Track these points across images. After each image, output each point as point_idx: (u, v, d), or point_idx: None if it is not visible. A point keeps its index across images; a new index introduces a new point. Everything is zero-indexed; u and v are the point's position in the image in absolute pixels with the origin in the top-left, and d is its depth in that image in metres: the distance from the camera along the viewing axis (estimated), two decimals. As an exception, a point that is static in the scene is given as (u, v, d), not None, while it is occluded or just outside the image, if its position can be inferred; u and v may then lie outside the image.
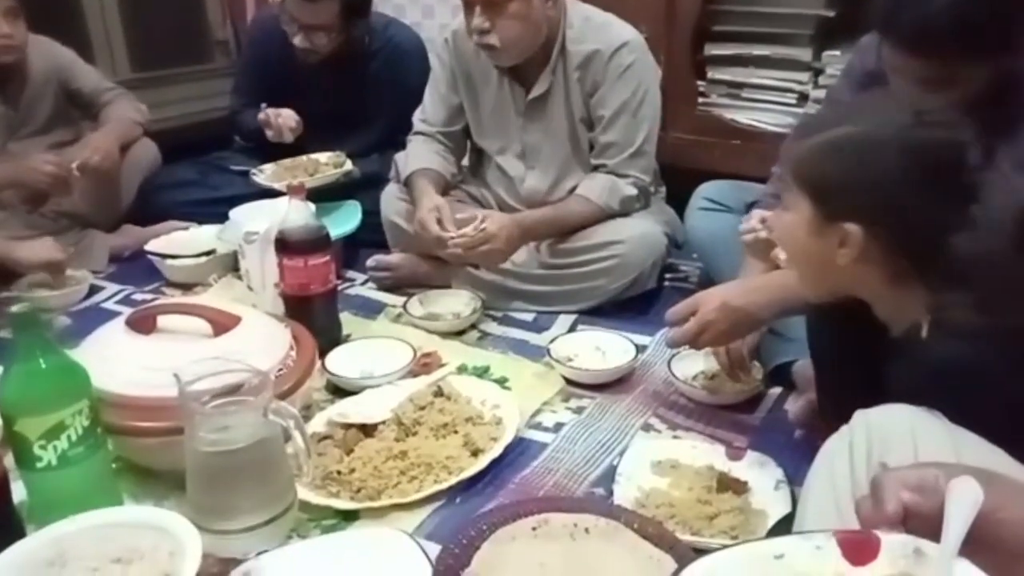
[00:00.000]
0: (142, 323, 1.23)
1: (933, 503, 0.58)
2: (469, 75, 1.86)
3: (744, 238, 1.40)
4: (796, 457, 1.21)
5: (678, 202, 1.87)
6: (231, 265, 1.94)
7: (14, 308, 0.99)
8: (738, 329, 1.28)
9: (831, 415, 0.99)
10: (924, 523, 0.58)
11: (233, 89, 2.40)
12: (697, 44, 2.13)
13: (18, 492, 1.06)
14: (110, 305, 1.91)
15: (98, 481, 1.08)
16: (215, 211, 2.07)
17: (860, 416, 0.83)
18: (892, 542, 0.59)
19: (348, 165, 2.08)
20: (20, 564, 0.95)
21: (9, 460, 1.04)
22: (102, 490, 1.08)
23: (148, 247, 2.02)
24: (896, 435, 0.79)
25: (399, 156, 1.95)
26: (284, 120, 2.11)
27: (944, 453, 0.76)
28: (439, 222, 1.68)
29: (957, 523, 0.56)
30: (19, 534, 1.01)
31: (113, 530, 1.00)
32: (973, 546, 0.57)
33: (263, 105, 2.16)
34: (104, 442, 1.08)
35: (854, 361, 1.03)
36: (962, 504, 0.57)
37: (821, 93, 1.98)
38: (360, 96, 2.17)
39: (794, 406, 1.34)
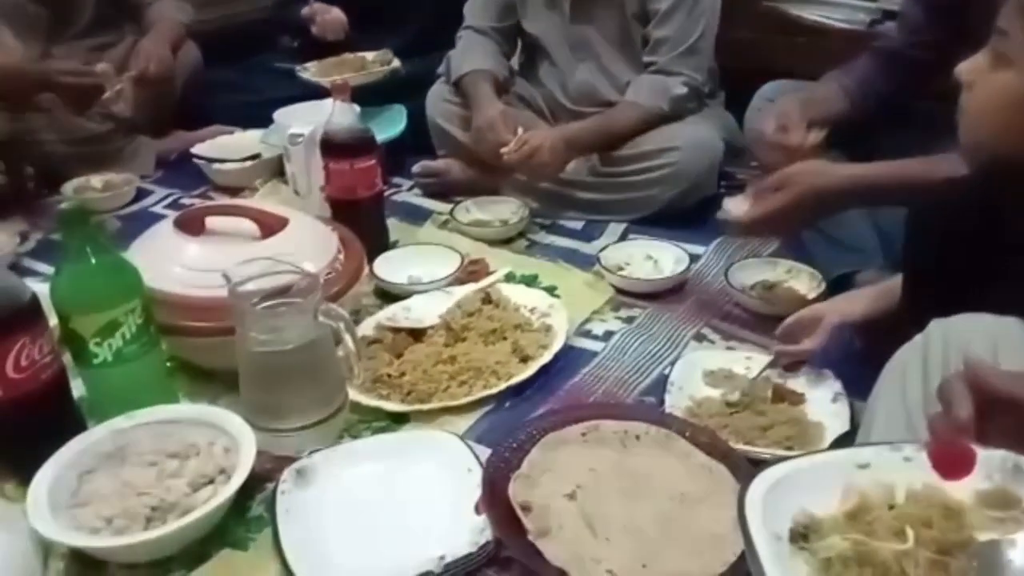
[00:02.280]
0: (190, 224, 1.22)
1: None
2: None
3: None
4: (856, 370, 1.17)
5: (738, 105, 1.77)
6: (276, 169, 1.92)
7: (62, 205, 0.98)
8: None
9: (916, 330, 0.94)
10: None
11: None
12: (763, -67, 1.99)
13: (77, 389, 1.08)
14: (158, 209, 1.91)
15: (154, 379, 1.09)
16: (258, 114, 2.02)
17: (936, 324, 0.78)
18: (989, 457, 0.55)
19: (395, 63, 2.02)
20: (81, 457, 0.98)
21: (68, 358, 1.06)
22: (158, 388, 1.10)
23: (194, 151, 2.01)
24: (976, 344, 0.74)
25: (452, 53, 1.88)
26: (332, 18, 2.04)
27: (1027, 364, 0.71)
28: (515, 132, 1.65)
29: None
30: (80, 427, 1.04)
31: (170, 426, 1.03)
32: None
33: None
34: (158, 341, 1.09)
35: (956, 272, 0.96)
36: None
37: (896, -15, 1.83)
38: None
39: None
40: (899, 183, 1.09)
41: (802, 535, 0.54)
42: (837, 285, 1.39)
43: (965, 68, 0.90)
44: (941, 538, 0.52)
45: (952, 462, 0.56)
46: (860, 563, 0.51)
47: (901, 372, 0.79)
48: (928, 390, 0.76)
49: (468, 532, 0.91)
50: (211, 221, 1.23)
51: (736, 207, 1.22)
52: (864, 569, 0.51)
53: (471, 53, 1.83)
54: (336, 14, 2.06)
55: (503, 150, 1.63)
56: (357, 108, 1.54)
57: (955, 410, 0.57)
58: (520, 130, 1.65)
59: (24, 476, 0.96)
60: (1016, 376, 0.57)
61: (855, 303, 1.17)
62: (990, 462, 0.55)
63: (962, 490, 0.55)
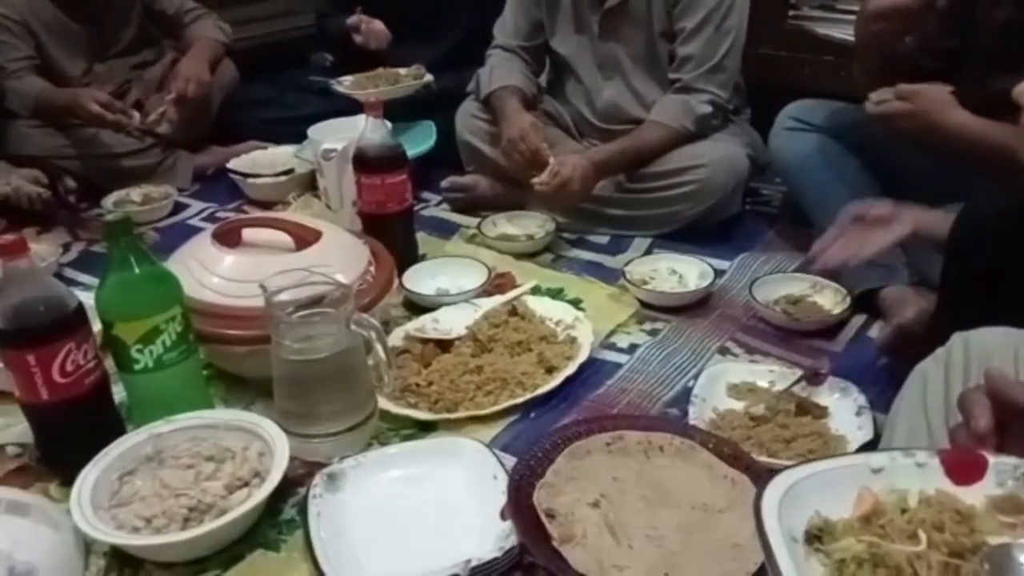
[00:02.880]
0: (228, 236, 1.26)
1: None
2: None
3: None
4: (879, 385, 1.18)
5: (764, 122, 1.79)
6: (309, 184, 1.97)
7: (108, 217, 1.03)
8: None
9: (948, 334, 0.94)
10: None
11: None
12: (790, -48, 2.01)
13: (118, 394, 1.12)
14: (195, 222, 1.97)
15: (192, 385, 1.13)
16: (292, 130, 2.09)
17: (958, 337, 0.79)
18: (1000, 463, 0.56)
19: (428, 77, 2.06)
20: (122, 458, 1.02)
21: (110, 364, 1.10)
22: (195, 394, 1.14)
23: (229, 166, 2.07)
24: (997, 356, 0.75)
25: (482, 71, 1.92)
26: (377, 28, 2.10)
27: (1051, 376, 0.72)
28: (537, 154, 1.67)
29: None
30: (121, 431, 1.08)
31: (206, 431, 1.06)
32: None
33: (359, 8, 2.15)
34: (196, 349, 1.12)
35: (994, 290, 0.97)
36: None
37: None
38: (437, 2, 2.14)
39: (881, 333, 1.29)
40: (996, 148, 1.09)
41: (817, 537, 0.55)
42: (861, 301, 1.40)
43: (1021, 90, 0.90)
44: (953, 541, 0.53)
45: (964, 468, 0.57)
46: (874, 565, 0.52)
47: (922, 383, 0.80)
48: (949, 401, 0.77)
49: (494, 537, 0.93)
50: (247, 233, 1.28)
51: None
52: (878, 570, 0.52)
53: (500, 70, 1.86)
54: (380, 25, 2.11)
55: (534, 180, 1.64)
56: (389, 124, 1.58)
57: (975, 421, 0.58)
58: (551, 160, 1.66)
59: (67, 477, 1.00)
60: None
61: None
62: (1002, 468, 0.56)
63: (974, 495, 0.56)
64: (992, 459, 0.56)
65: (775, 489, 0.56)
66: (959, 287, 1.07)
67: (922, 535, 0.53)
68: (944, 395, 0.78)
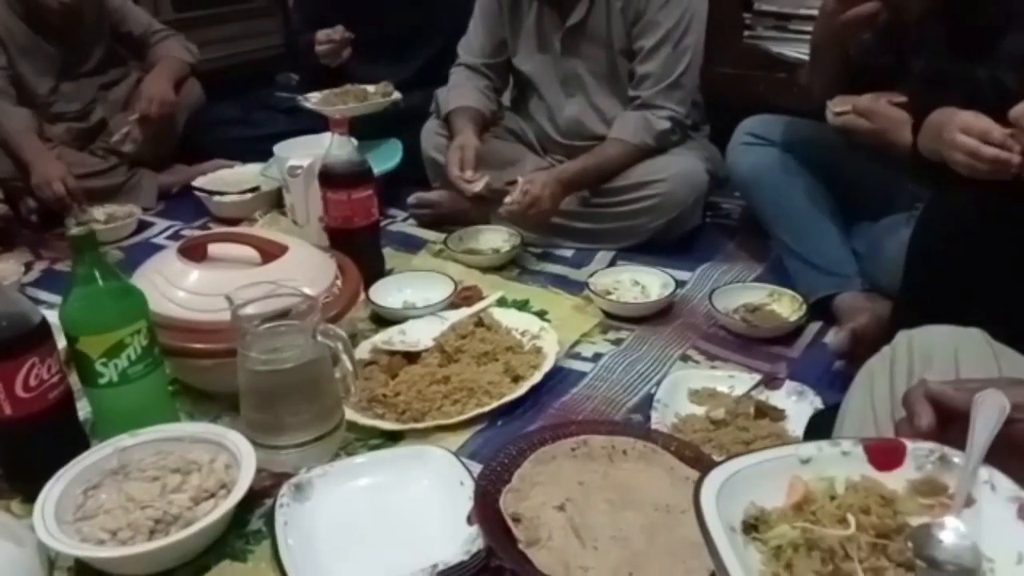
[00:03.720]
0: (194, 251, 1.27)
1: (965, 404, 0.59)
2: (513, 2, 1.84)
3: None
4: (835, 388, 1.22)
5: (722, 138, 1.84)
6: (275, 202, 1.98)
7: (73, 231, 1.03)
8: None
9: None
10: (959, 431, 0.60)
11: (295, 6, 2.41)
12: (744, -27, 2.08)
13: (82, 410, 1.12)
14: (160, 240, 1.97)
15: (157, 399, 1.13)
16: (257, 148, 2.10)
17: (903, 335, 0.83)
18: (917, 449, 0.60)
19: (396, 95, 2.08)
20: (87, 473, 1.01)
21: (74, 380, 1.10)
22: (161, 407, 1.13)
23: (195, 184, 2.07)
24: (938, 353, 0.79)
25: (440, 91, 1.95)
26: (334, 34, 2.11)
27: (987, 371, 0.76)
28: (461, 164, 1.69)
29: (982, 431, 0.57)
30: (85, 446, 1.07)
31: (172, 444, 1.07)
32: (1006, 453, 0.58)
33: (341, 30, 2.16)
34: (161, 362, 1.12)
35: (951, 296, 1.01)
36: (988, 413, 0.58)
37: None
38: (409, 17, 2.17)
39: (836, 337, 1.33)
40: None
41: (753, 526, 0.58)
42: (817, 308, 1.44)
43: (1019, 109, 0.92)
44: (879, 524, 0.57)
45: (885, 454, 0.61)
46: (808, 548, 0.55)
47: (869, 379, 0.83)
48: (895, 395, 0.80)
49: (460, 542, 0.94)
50: (213, 248, 1.28)
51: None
52: (812, 553, 0.55)
53: (456, 91, 1.90)
54: (338, 28, 2.12)
55: (506, 200, 1.67)
56: (355, 141, 1.60)
57: (917, 419, 0.62)
58: (520, 179, 1.69)
59: (30, 494, 1.00)
60: (969, 390, 0.62)
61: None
62: (919, 453, 0.60)
63: (896, 480, 0.60)
64: (910, 445, 0.60)
65: (712, 483, 0.59)
66: (918, 292, 1.12)
67: (851, 519, 0.57)
68: (890, 390, 0.81)
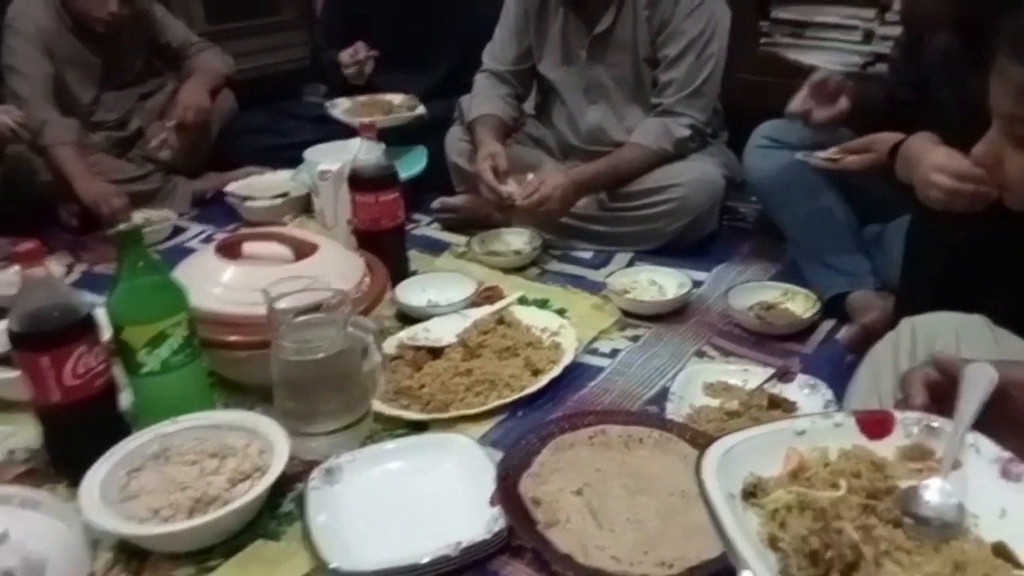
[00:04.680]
0: (230, 249, 1.33)
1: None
2: (540, 10, 1.89)
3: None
4: (847, 383, 1.24)
5: (740, 143, 1.87)
6: (304, 206, 2.04)
7: (121, 226, 1.09)
8: None
9: None
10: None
11: (317, 23, 2.47)
12: (761, -17, 2.12)
13: (124, 401, 1.18)
14: (194, 244, 2.04)
15: (196, 388, 1.19)
16: (286, 156, 2.17)
17: (906, 322, 0.87)
18: (906, 418, 0.64)
19: (420, 109, 2.14)
20: (129, 457, 1.07)
21: (117, 370, 1.16)
22: (199, 396, 1.19)
23: (227, 189, 2.14)
24: (940, 337, 0.83)
25: (464, 99, 2.00)
26: (358, 51, 2.17)
27: (988, 355, 0.79)
28: (495, 171, 1.74)
29: (970, 399, 0.61)
30: (127, 434, 1.13)
31: (210, 430, 1.12)
32: (1007, 430, 0.62)
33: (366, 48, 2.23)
34: (200, 353, 1.18)
35: (949, 290, 1.04)
36: (976, 383, 0.62)
37: (886, 30, 1.95)
38: (429, 30, 2.22)
39: (847, 333, 1.37)
40: None
41: (752, 493, 0.63)
42: (831, 305, 1.47)
43: (979, 150, 0.88)
44: (869, 486, 0.61)
45: (875, 424, 0.65)
46: (801, 509, 0.60)
47: (875, 363, 0.87)
48: (898, 373, 0.84)
49: (483, 522, 0.98)
50: (248, 246, 1.34)
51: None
52: (805, 513, 0.59)
53: (480, 99, 1.95)
54: (359, 45, 2.19)
55: (515, 192, 1.72)
56: (382, 146, 1.65)
57: (911, 399, 0.66)
58: (531, 176, 1.74)
59: (75, 479, 1.05)
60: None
61: None
62: (908, 422, 0.65)
63: (886, 448, 0.64)
64: (899, 415, 0.64)
65: (712, 454, 0.64)
66: (916, 284, 1.15)
67: (842, 482, 0.61)
68: (893, 374, 0.85)
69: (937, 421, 0.64)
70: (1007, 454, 0.60)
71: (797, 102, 1.44)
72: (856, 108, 1.53)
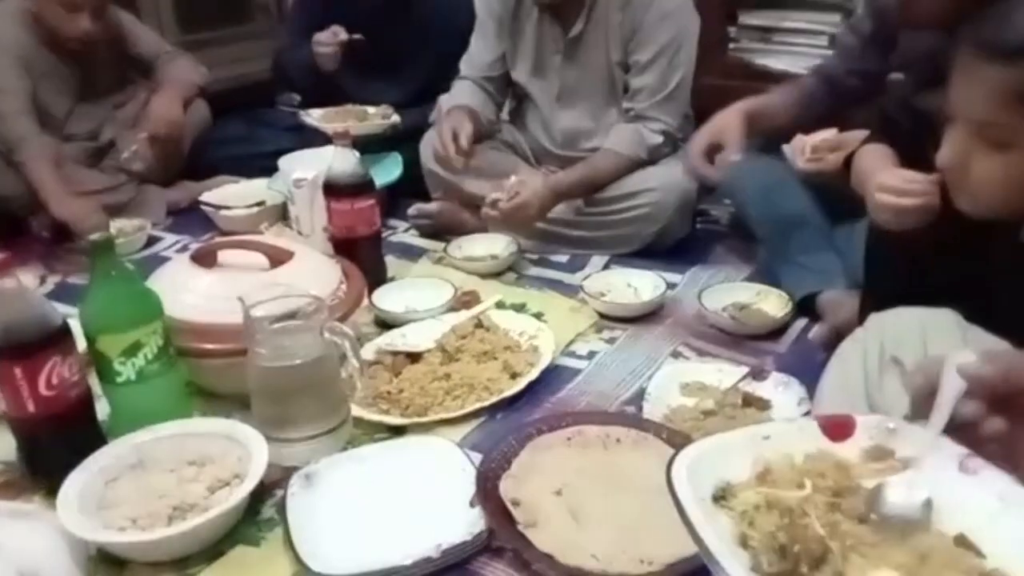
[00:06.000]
0: (205, 258, 1.33)
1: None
2: (515, 15, 1.91)
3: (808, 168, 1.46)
4: (819, 378, 1.26)
5: (708, 147, 1.90)
6: (280, 215, 2.04)
7: (93, 236, 1.09)
8: None
9: None
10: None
11: (286, 26, 2.45)
12: (728, -12, 2.16)
13: (100, 412, 1.17)
14: (168, 254, 2.02)
15: (172, 397, 1.18)
16: (261, 165, 2.16)
17: (873, 319, 0.89)
18: (867, 421, 0.67)
19: (395, 118, 2.15)
20: (107, 467, 1.06)
21: (92, 380, 1.15)
22: (176, 405, 1.19)
23: (202, 198, 2.13)
24: (907, 333, 0.85)
25: (443, 97, 2.01)
26: (337, 32, 2.14)
27: (954, 348, 0.81)
28: (455, 136, 1.76)
29: (947, 401, 0.63)
30: (102, 443, 1.12)
31: (187, 439, 1.12)
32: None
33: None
34: (176, 361, 1.18)
35: (909, 289, 1.06)
36: (953, 383, 0.63)
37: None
38: (406, 39, 2.23)
39: (818, 331, 1.39)
40: None
41: (721, 496, 0.64)
42: (803, 305, 1.50)
43: (947, 156, 0.89)
44: (834, 486, 0.64)
45: (837, 427, 0.67)
46: (769, 508, 0.61)
47: (843, 360, 0.89)
48: (867, 374, 0.86)
49: (463, 524, 0.99)
50: (223, 255, 1.34)
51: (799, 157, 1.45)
52: (772, 512, 0.61)
53: (456, 95, 1.97)
54: (335, 29, 2.16)
55: (493, 196, 1.74)
56: (357, 154, 1.66)
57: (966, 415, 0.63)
58: (513, 178, 1.76)
59: (52, 488, 1.04)
60: (1002, 363, 0.63)
61: None
62: (869, 424, 0.67)
63: (848, 449, 0.66)
64: (860, 418, 0.66)
65: (683, 459, 0.66)
66: (877, 287, 1.18)
67: (807, 483, 0.63)
68: (862, 371, 0.87)
69: (894, 423, 0.66)
70: (964, 450, 0.62)
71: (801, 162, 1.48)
72: (803, 111, 1.57)
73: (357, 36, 2.15)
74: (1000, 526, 0.59)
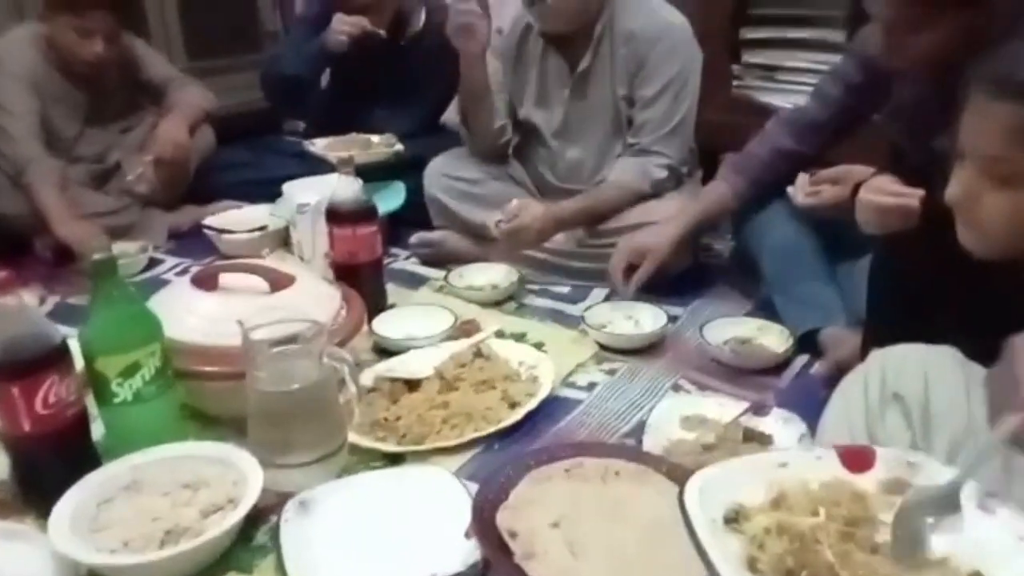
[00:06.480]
0: (206, 281, 1.33)
1: None
2: (519, 53, 1.93)
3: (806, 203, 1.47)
4: (820, 415, 1.26)
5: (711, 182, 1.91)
6: (282, 240, 2.04)
7: (95, 256, 1.08)
8: None
9: None
10: None
11: (281, 41, 2.47)
12: (733, 27, 2.18)
13: (95, 433, 1.16)
14: (169, 276, 2.02)
15: (169, 419, 1.17)
16: (265, 191, 2.17)
17: (876, 355, 0.89)
18: (887, 453, 0.66)
19: (398, 146, 2.16)
20: (100, 488, 1.05)
21: (89, 402, 1.14)
22: (172, 428, 1.18)
23: (205, 221, 2.14)
24: (909, 368, 0.84)
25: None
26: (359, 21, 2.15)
27: (956, 386, 0.81)
28: None
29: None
30: (97, 464, 1.11)
31: (182, 461, 1.11)
32: None
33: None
34: (173, 384, 1.17)
35: (912, 324, 1.06)
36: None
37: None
38: (410, 72, 2.25)
39: (820, 367, 1.39)
40: None
41: (733, 519, 0.64)
42: (804, 341, 1.49)
43: (956, 192, 0.89)
44: (848, 514, 0.62)
45: (856, 458, 0.66)
46: (780, 533, 0.60)
47: (845, 396, 0.89)
48: (869, 409, 0.85)
49: (458, 554, 0.98)
50: (224, 278, 1.34)
51: (800, 192, 1.46)
52: (783, 537, 0.60)
53: None
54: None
55: (495, 220, 1.74)
56: (360, 181, 1.67)
57: None
58: (515, 201, 1.77)
59: (43, 510, 1.03)
60: None
61: None
62: (888, 457, 0.66)
63: (867, 482, 0.66)
64: (879, 450, 0.66)
65: (695, 482, 0.65)
66: (880, 323, 1.18)
67: (822, 510, 0.62)
68: (864, 406, 0.87)
69: (915, 456, 0.65)
70: (984, 488, 0.62)
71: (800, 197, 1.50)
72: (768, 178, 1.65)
73: (380, 32, 2.17)
74: (1016, 566, 0.58)
